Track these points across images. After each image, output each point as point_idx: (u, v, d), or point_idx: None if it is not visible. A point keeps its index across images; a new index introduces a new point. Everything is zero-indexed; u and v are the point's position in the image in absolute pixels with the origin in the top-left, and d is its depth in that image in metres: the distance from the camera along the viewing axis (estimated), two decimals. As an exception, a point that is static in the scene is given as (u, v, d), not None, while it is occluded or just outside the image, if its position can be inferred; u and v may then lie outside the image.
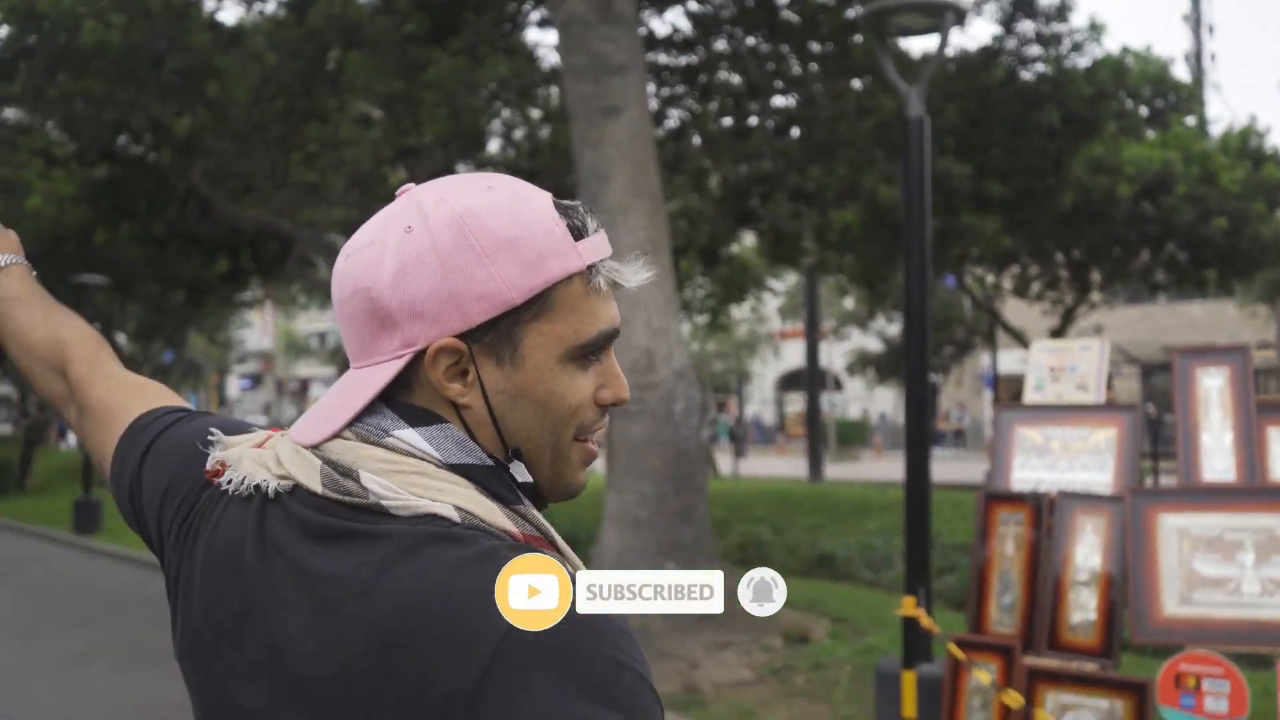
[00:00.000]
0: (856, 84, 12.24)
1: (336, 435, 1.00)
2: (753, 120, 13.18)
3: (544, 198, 1.02)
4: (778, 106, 13.03)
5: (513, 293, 0.96)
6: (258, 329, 55.51)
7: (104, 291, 17.84)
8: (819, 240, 14.90)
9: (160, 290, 20.25)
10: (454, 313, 0.96)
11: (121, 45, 10.78)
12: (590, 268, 1.00)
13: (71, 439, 44.51)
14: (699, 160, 12.57)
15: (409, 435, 0.99)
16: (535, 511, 1.01)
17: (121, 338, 24.49)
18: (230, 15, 13.74)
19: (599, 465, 24.66)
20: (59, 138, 14.62)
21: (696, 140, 12.63)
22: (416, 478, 0.96)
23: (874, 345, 33.70)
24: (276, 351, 58.12)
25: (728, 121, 13.15)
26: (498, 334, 0.98)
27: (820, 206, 12.35)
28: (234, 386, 58.56)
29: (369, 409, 1.00)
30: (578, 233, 1.00)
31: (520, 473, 1.02)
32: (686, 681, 6.93)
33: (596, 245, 1.01)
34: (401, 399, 1.00)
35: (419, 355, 0.98)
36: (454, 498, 0.96)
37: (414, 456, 0.98)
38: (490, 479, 0.99)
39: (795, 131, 13.11)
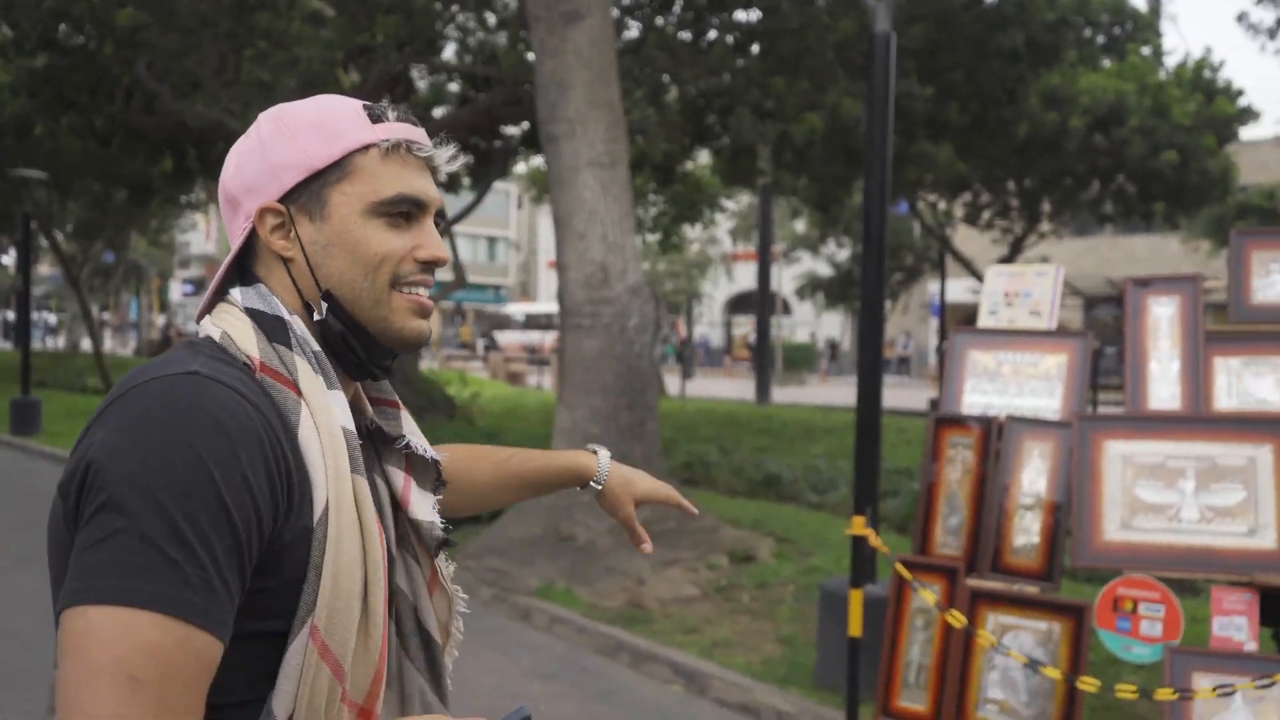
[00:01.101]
0: (821, 1, 12.06)
1: (210, 303, 1.24)
2: (713, 34, 12.97)
3: (352, 100, 1.26)
4: (739, 21, 12.82)
5: (315, 160, 1.19)
6: (202, 232, 54.50)
7: (43, 186, 17.37)
8: (775, 160, 14.80)
9: (102, 188, 19.73)
10: (273, 182, 1.20)
11: None
12: (388, 141, 1.20)
13: (5, 341, 43.65)
14: (657, 73, 12.37)
15: (235, 292, 1.22)
16: (297, 357, 1.17)
17: (60, 236, 23.88)
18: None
19: (550, 381, 24.61)
20: (-4, 25, 14.07)
21: (656, 53, 12.41)
22: (224, 315, 1.20)
23: (824, 270, 33.79)
24: (219, 255, 57.13)
25: (687, 35, 12.93)
26: (309, 195, 1.20)
27: (780, 121, 12.22)
28: (176, 291, 57.60)
29: (231, 278, 1.24)
30: (376, 119, 1.22)
31: (328, 317, 1.21)
32: (632, 597, 6.99)
33: (394, 128, 1.22)
34: (251, 267, 1.23)
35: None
36: (228, 327, 1.18)
37: (235, 306, 1.20)
38: (269, 322, 1.18)
39: (756, 48, 12.93)
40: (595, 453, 1.68)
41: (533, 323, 45.41)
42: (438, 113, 14.61)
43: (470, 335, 48.25)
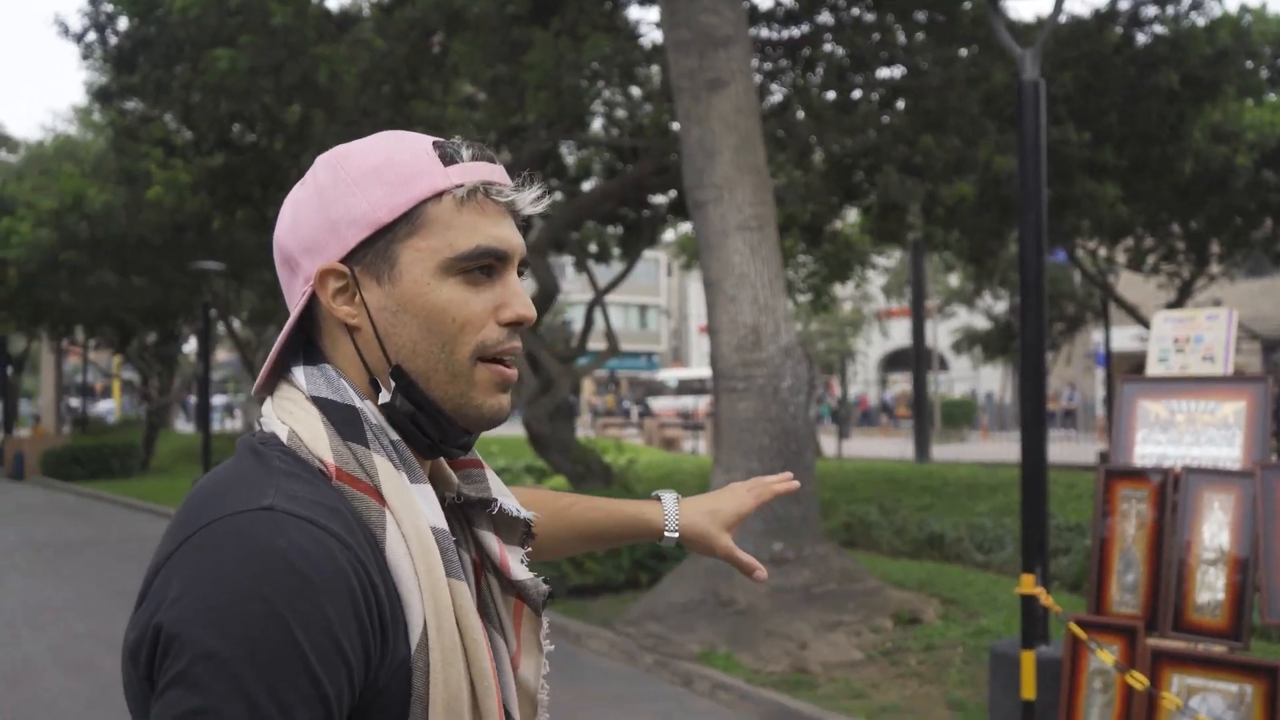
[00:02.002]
0: (964, 53, 11.95)
1: (267, 381, 1.11)
2: (857, 93, 12.97)
3: (421, 136, 1.10)
4: (883, 78, 12.79)
5: (380, 212, 1.04)
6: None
7: (221, 277, 18.36)
8: (925, 214, 14.62)
9: (274, 276, 20.71)
10: (334, 240, 1.05)
11: (246, 68, 11.07)
12: (463, 187, 1.06)
13: (188, 424, 46.07)
14: (804, 135, 12.42)
15: (298, 373, 1.08)
16: (375, 455, 1.03)
17: (236, 323, 25.18)
18: (336, 1, 13.93)
19: (705, 445, 24.52)
20: (177, 128, 15.06)
21: (800, 115, 12.47)
22: (288, 405, 1.06)
23: (980, 323, 33.03)
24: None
25: (832, 95, 12.95)
26: (375, 254, 1.05)
27: (929, 178, 12.09)
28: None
29: (291, 351, 1.11)
30: (449, 159, 1.07)
31: (396, 398, 1.06)
32: (795, 661, 6.89)
33: (469, 169, 1.07)
34: (316, 338, 1.10)
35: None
36: (296, 423, 1.04)
37: (299, 391, 1.07)
38: (340, 414, 1.04)
39: (901, 104, 12.86)
40: (660, 499, 1.50)
41: (685, 388, 45.56)
42: (587, 185, 14.96)
43: (615, 401, 48.66)
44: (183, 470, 22.03)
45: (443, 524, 1.05)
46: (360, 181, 1.05)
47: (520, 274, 1.12)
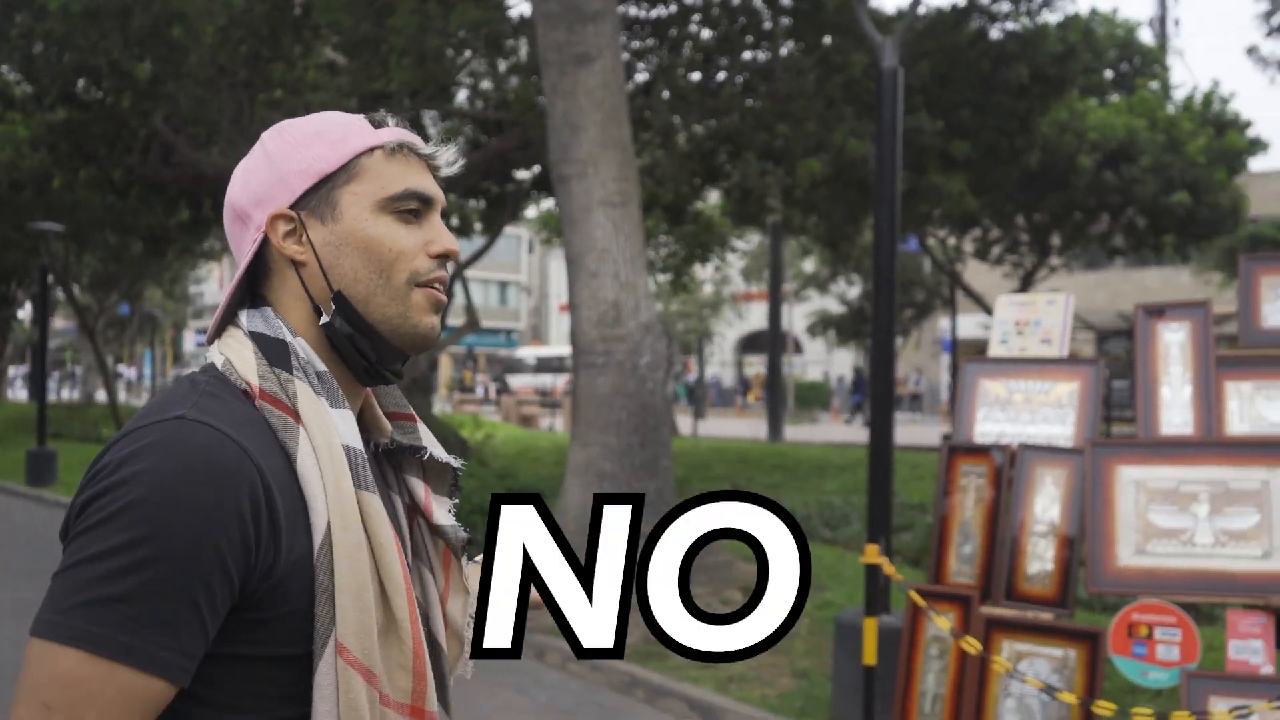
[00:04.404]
0: (828, 40, 12.20)
1: (218, 326, 1.27)
2: (722, 75, 13.11)
3: (350, 114, 1.31)
4: (747, 61, 12.97)
5: (323, 164, 1.24)
6: (216, 282, 54.86)
7: (61, 239, 17.55)
8: (784, 199, 14.91)
9: (118, 240, 19.92)
10: (283, 190, 1.24)
11: (80, 9, 10.56)
12: (391, 143, 1.25)
13: (23, 390, 43.94)
14: (667, 115, 12.51)
15: (242, 315, 1.25)
16: (298, 380, 1.19)
17: (76, 288, 24.10)
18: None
19: (562, 423, 24.50)
20: (16, 80, 14.30)
21: (665, 95, 12.55)
22: (229, 341, 1.23)
23: (834, 308, 33.84)
24: (234, 305, 57.34)
25: (696, 77, 13.07)
26: (319, 199, 1.24)
27: (788, 164, 12.32)
28: (190, 341, 57.87)
29: (240, 299, 1.27)
30: (377, 125, 1.27)
31: (335, 319, 1.23)
32: (645, 633, 6.98)
33: (395, 131, 1.28)
34: (262, 288, 1.27)
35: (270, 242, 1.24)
36: (231, 353, 1.21)
37: (240, 330, 1.24)
38: (271, 346, 1.21)
39: (764, 88, 13.07)
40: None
41: (545, 366, 45.48)
42: (449, 157, 14.74)
43: (471, 378, 48.32)
44: (14, 441, 21.00)
45: (357, 444, 1.20)
46: (304, 142, 1.25)
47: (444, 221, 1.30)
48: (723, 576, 7.98)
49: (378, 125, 1.27)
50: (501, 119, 12.62)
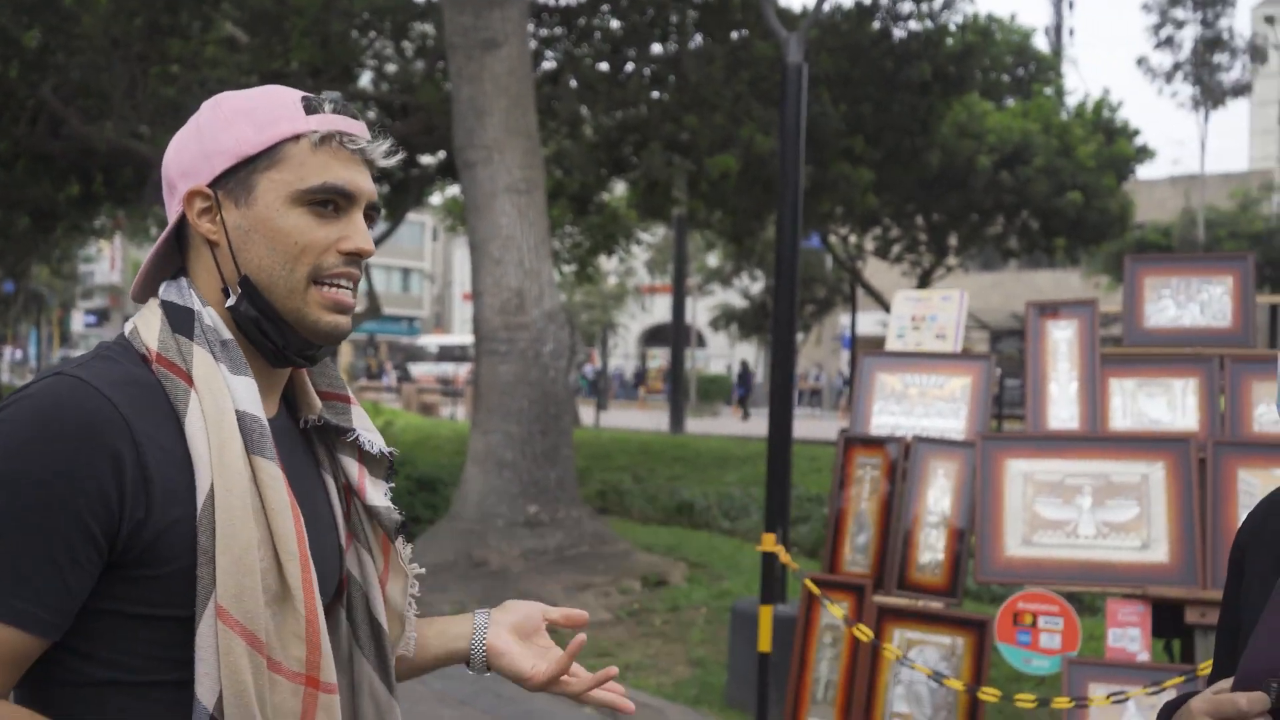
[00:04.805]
0: (735, 36, 12.28)
1: (139, 287, 1.29)
2: (630, 66, 13.12)
3: (292, 90, 1.27)
4: (655, 54, 13.00)
5: (245, 146, 1.21)
6: (106, 261, 53.24)
7: (-61, 211, 16.85)
8: (690, 192, 14.99)
9: (3, 213, 19.20)
10: (205, 166, 1.22)
11: None
12: (318, 133, 1.22)
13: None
14: (574, 104, 12.48)
15: (162, 285, 1.26)
16: (197, 346, 1.20)
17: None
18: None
19: (463, 411, 24.28)
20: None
21: (573, 84, 12.52)
22: (144, 311, 1.25)
23: (738, 302, 34.16)
24: (125, 286, 55.77)
25: (604, 66, 13.06)
26: (237, 181, 1.22)
27: (695, 156, 12.38)
28: (78, 322, 56.08)
29: (164, 264, 1.29)
30: (311, 110, 1.23)
31: (241, 303, 1.22)
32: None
33: (328, 119, 1.23)
34: (185, 259, 1.27)
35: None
36: (140, 320, 1.23)
37: (156, 298, 1.25)
38: (177, 314, 1.22)
39: (672, 80, 13.12)
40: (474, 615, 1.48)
41: (447, 354, 45.07)
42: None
43: (377, 365, 47.73)
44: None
45: (257, 411, 1.19)
46: (232, 120, 1.23)
47: (370, 219, 1.28)
48: (622, 567, 8.01)
49: (311, 110, 1.23)
50: (406, 103, 12.46)
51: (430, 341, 49.38)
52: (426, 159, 15.28)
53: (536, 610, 1.46)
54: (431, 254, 63.24)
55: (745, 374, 33.57)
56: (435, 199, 22.30)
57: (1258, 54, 30.58)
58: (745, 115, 11.93)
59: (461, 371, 38.36)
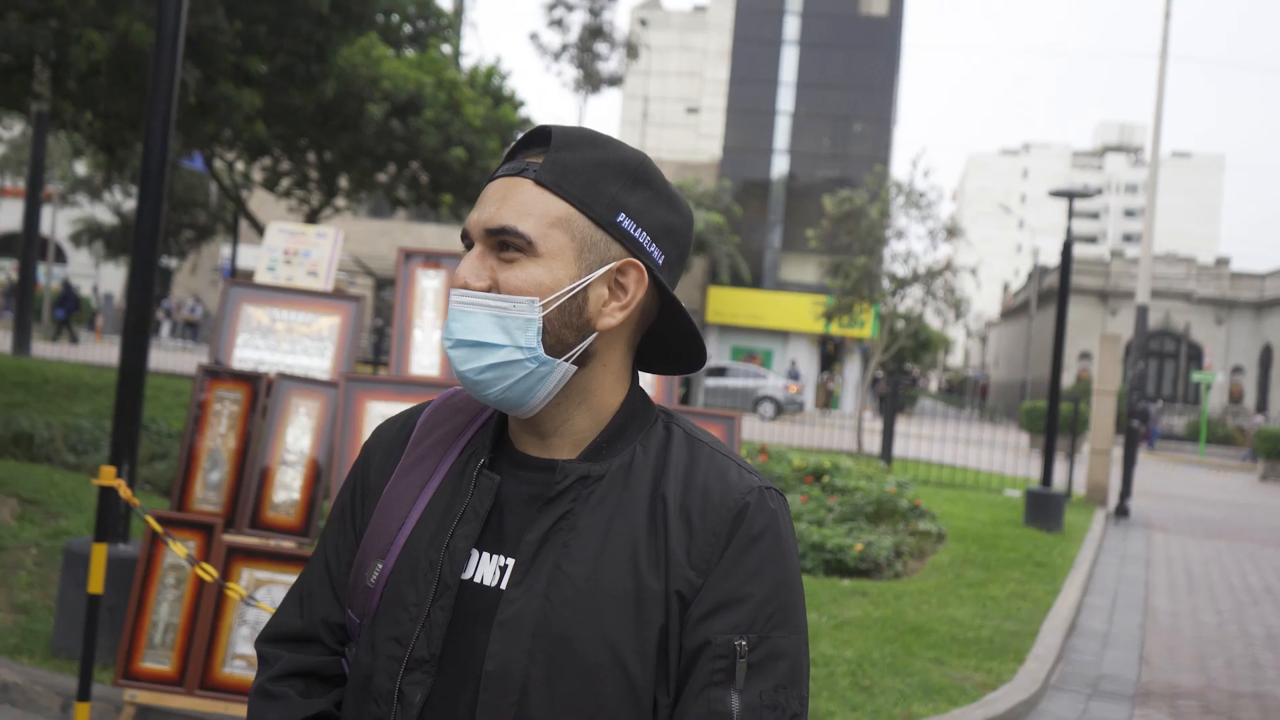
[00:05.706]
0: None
1: None
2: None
3: None
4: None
5: None
6: None
7: None
8: (56, 87, 13.36)
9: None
10: None
11: None
12: None
13: None
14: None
15: None
16: None
17: None
18: None
19: None
20: None
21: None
22: None
23: (107, 218, 31.31)
24: None
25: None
26: None
27: (60, 35, 10.98)
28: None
29: None
30: None
31: None
32: None
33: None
34: None
35: None
36: None
37: None
38: None
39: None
40: None
41: None
42: None
43: None
44: None
45: None
46: None
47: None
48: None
49: None
50: None
51: None
52: None
53: None
54: None
55: (68, 293, 29.51)
56: None
57: (632, 50, 33.94)
58: (123, 3, 10.82)
59: None
